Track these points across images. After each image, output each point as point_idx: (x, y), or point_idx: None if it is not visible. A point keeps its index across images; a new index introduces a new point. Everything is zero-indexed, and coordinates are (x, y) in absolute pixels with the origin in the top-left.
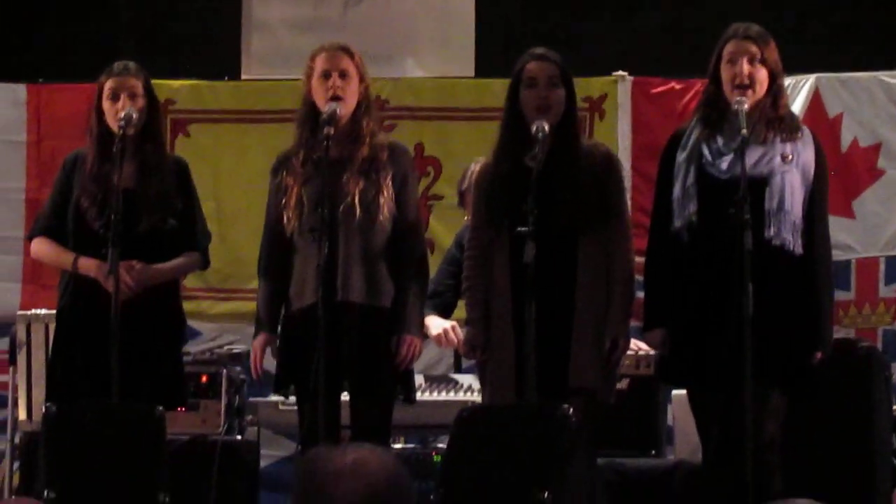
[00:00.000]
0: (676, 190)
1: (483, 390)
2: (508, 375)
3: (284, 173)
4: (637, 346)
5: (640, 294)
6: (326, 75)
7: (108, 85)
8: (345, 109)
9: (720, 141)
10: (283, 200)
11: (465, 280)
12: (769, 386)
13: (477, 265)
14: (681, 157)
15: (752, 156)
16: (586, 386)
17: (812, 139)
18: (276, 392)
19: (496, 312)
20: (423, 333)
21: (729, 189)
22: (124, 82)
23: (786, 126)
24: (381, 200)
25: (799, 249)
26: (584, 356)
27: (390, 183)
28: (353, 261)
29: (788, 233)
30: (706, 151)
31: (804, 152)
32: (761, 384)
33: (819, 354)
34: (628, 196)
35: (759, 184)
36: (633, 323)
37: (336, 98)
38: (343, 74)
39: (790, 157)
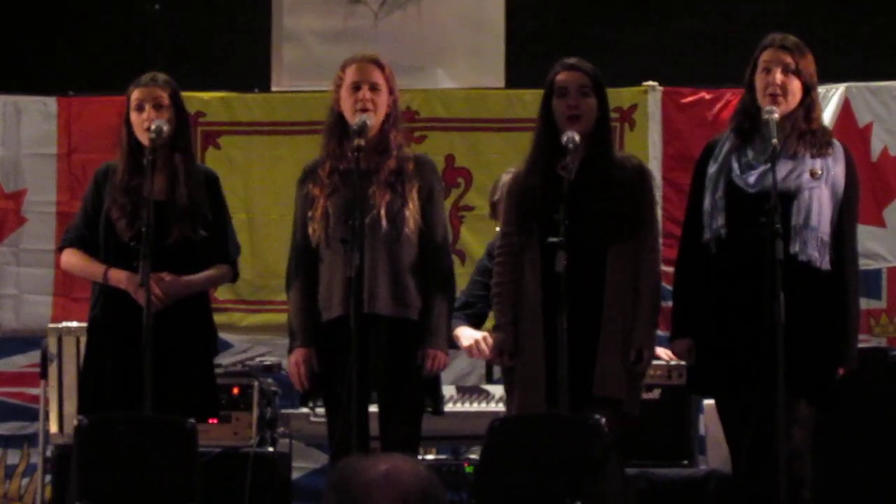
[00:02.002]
0: (706, 202)
1: (508, 395)
2: (538, 381)
3: (311, 184)
4: (669, 355)
5: (670, 304)
6: (356, 87)
7: (135, 96)
8: (373, 121)
9: (750, 154)
10: (310, 212)
11: (495, 286)
12: (797, 395)
13: (506, 271)
14: (712, 168)
15: (781, 170)
16: (612, 395)
17: (843, 153)
18: (303, 404)
19: (526, 319)
20: (448, 346)
21: (757, 203)
22: (150, 93)
23: (817, 140)
24: (407, 213)
25: (826, 265)
26: (610, 366)
27: (416, 195)
28: (380, 273)
29: (814, 249)
30: (735, 164)
31: (834, 168)
32: (790, 393)
33: (842, 370)
34: (659, 206)
35: (787, 199)
36: (663, 332)
37: (365, 110)
38: (373, 87)
39: (819, 173)
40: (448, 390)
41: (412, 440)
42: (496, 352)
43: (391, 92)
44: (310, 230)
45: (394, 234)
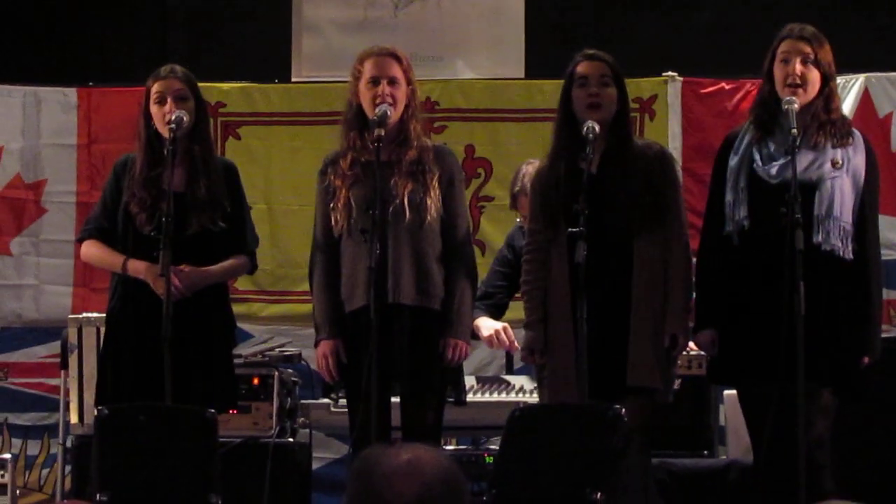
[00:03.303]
0: (728, 195)
1: (540, 392)
2: (569, 377)
3: (332, 176)
4: (689, 345)
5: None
6: (375, 82)
7: (155, 88)
8: (393, 114)
9: (771, 146)
10: (331, 203)
11: (524, 284)
12: (819, 385)
13: (535, 268)
14: (733, 161)
15: (802, 161)
16: (645, 384)
17: (863, 143)
18: (326, 395)
19: (555, 314)
20: (470, 336)
21: (779, 194)
22: (170, 85)
23: (837, 131)
24: (429, 202)
25: (849, 255)
26: (642, 354)
27: (437, 184)
28: (403, 263)
29: (837, 239)
30: (757, 156)
31: (855, 157)
32: (813, 383)
33: (867, 359)
34: None
35: (809, 189)
36: None
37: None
38: (392, 81)
39: (840, 163)
40: (468, 381)
41: (434, 430)
42: (526, 351)
43: (409, 83)
44: (332, 221)
45: (416, 224)
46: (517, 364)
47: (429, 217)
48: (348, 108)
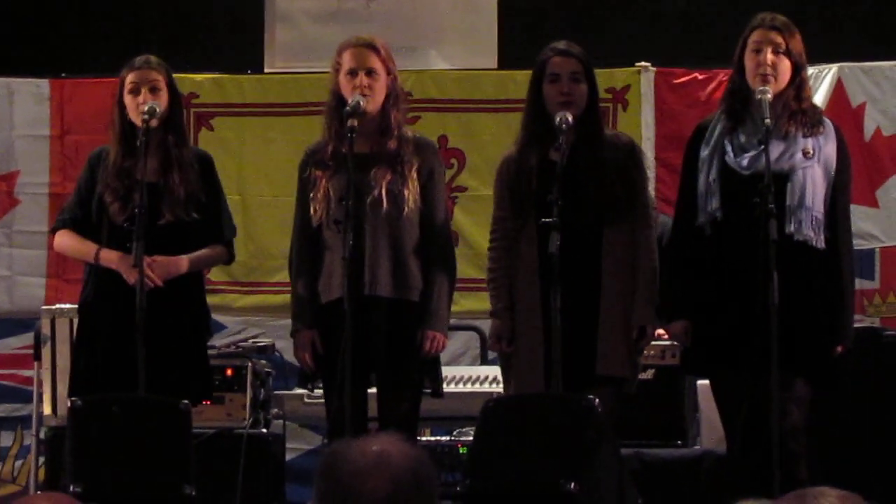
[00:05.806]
0: (700, 185)
1: (506, 381)
2: (537, 366)
3: (313, 167)
4: (663, 335)
5: None
6: (353, 73)
7: (129, 78)
8: (372, 105)
9: (742, 137)
10: (312, 193)
11: (490, 271)
12: (793, 374)
13: (501, 255)
14: (704, 151)
15: (773, 151)
16: (614, 374)
17: (834, 132)
18: (302, 386)
19: (523, 303)
20: (447, 328)
21: (751, 184)
22: (145, 76)
23: (808, 120)
24: (407, 193)
25: (821, 244)
26: (611, 344)
27: (416, 175)
28: (381, 254)
29: (809, 228)
30: (728, 147)
31: (826, 146)
32: (786, 372)
33: (840, 347)
34: (652, 187)
35: (781, 179)
36: None
37: (364, 96)
38: (370, 72)
39: (811, 152)
40: (445, 371)
41: (411, 422)
42: (493, 339)
43: (389, 73)
44: (311, 212)
45: (394, 215)
46: (492, 354)
47: (406, 208)
48: (330, 98)
